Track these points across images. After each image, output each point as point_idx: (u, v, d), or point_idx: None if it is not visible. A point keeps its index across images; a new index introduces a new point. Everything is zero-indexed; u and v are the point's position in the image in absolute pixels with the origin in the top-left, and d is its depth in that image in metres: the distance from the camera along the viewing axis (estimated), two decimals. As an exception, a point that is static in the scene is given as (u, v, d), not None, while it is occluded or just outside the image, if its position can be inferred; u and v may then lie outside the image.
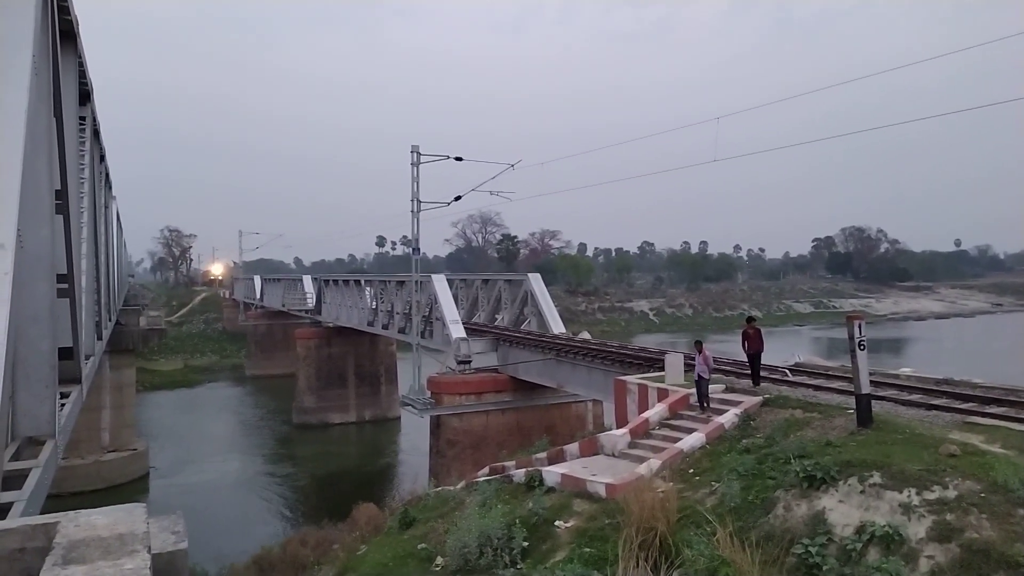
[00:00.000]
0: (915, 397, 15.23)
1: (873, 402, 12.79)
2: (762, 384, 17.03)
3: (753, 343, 16.44)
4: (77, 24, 14.81)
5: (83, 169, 18.57)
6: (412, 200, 34.21)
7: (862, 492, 9.83)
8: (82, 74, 17.19)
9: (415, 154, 33.82)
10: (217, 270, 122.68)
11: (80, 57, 16.20)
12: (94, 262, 20.12)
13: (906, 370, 19.71)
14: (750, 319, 17.01)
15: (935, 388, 16.04)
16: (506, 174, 33.13)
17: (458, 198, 35.12)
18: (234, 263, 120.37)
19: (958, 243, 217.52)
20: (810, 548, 9.08)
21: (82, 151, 18.57)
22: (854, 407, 12.68)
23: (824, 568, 8.80)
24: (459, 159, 33.73)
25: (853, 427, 12.32)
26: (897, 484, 9.65)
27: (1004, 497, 8.88)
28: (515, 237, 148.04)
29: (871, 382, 12.95)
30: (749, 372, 17.14)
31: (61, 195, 12.12)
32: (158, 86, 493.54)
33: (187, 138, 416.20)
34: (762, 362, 17.24)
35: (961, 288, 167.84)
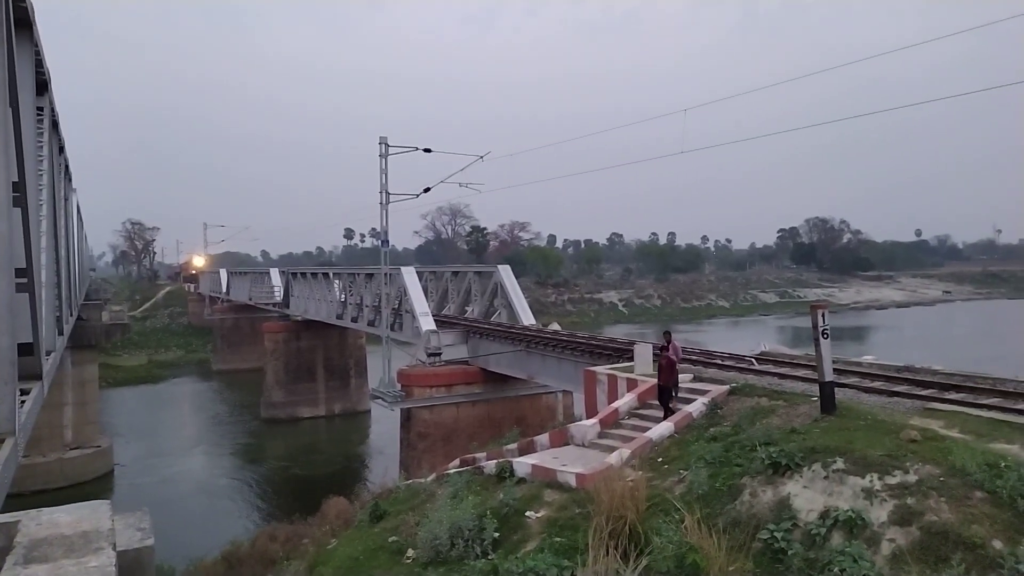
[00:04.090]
0: (877, 384, 15.53)
1: (836, 389, 13.02)
2: (730, 372, 17.24)
3: (665, 374, 15.53)
4: (33, 12, 14.39)
5: (42, 161, 18.05)
6: (381, 192, 33.95)
7: (826, 478, 10.03)
8: (39, 63, 16.68)
9: (383, 145, 33.56)
10: (199, 262, 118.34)
11: (37, 46, 15.73)
12: (54, 256, 19.60)
13: (868, 358, 20.12)
14: (662, 349, 16.34)
15: (896, 375, 16.39)
16: (475, 165, 33.05)
17: (427, 190, 34.96)
18: (187, 257, 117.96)
19: (918, 233, 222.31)
20: (776, 533, 9.25)
21: (40, 142, 18.05)
22: (818, 394, 12.89)
23: (789, 553, 8.97)
24: (428, 151, 33.57)
25: (817, 414, 12.52)
26: (860, 469, 9.86)
27: (962, 481, 9.12)
28: (484, 229, 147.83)
29: (834, 370, 13.18)
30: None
31: (19, 187, 11.77)
32: (115, 66, 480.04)
33: (148, 119, 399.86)
34: (728, 352, 17.28)
35: (921, 277, 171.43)
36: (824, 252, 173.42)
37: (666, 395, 15.53)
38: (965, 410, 12.53)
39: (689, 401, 15.36)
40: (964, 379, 15.36)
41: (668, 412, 15.24)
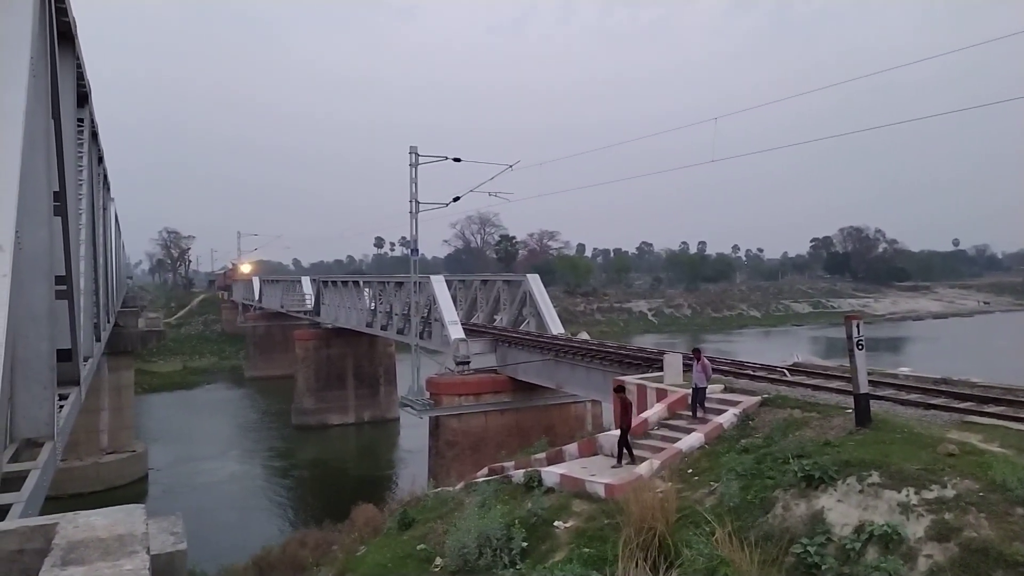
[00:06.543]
0: (913, 396, 15.23)
1: (871, 401, 12.80)
2: (762, 383, 17.02)
3: (621, 417, 14.92)
4: (75, 26, 14.80)
5: (81, 171, 18.56)
6: (411, 201, 34.20)
7: (861, 492, 9.84)
8: (80, 76, 17.16)
9: (413, 155, 33.80)
10: (246, 268, 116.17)
11: (78, 59, 16.18)
12: (92, 264, 20.11)
13: (904, 369, 19.72)
14: (619, 389, 15.64)
15: (933, 387, 16.05)
16: (505, 174, 33.14)
17: (457, 199, 35.12)
18: (233, 263, 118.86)
19: (956, 243, 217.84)
20: (809, 548, 9.09)
21: (80, 153, 18.55)
22: (852, 407, 12.69)
23: (823, 568, 8.81)
24: (457, 160, 33.70)
25: (851, 426, 12.33)
26: (896, 483, 9.67)
27: (1002, 496, 8.90)
28: (513, 238, 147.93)
29: (869, 381, 12.97)
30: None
31: (59, 196, 12.12)
32: (155, 79, 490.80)
33: (186, 131, 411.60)
34: (760, 363, 17.02)
35: (959, 288, 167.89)
36: (859, 262, 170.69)
37: (624, 438, 14.73)
38: (1005, 424, 12.24)
39: (720, 412, 15.19)
40: (1004, 392, 14.99)
41: (629, 456, 14.52)
